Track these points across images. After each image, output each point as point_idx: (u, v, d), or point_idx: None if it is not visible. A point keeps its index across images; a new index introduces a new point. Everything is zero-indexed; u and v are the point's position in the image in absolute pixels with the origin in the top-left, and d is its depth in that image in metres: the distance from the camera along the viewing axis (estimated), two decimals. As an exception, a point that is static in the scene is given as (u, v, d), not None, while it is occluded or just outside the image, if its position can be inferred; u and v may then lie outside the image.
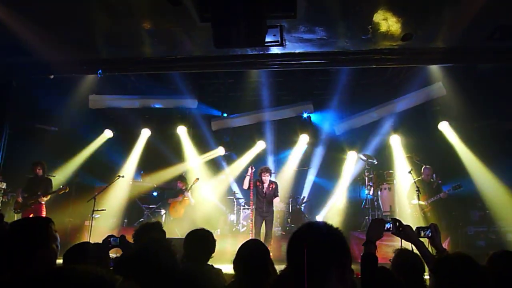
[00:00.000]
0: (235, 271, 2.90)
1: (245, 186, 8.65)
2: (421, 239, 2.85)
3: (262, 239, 7.89)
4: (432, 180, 9.09)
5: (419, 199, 8.68)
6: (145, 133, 11.56)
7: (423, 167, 9.12)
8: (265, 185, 8.55)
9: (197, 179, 10.04)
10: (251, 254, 2.89)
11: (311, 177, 11.81)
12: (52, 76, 9.30)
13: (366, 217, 9.72)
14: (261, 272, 2.76)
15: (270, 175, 8.73)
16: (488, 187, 9.26)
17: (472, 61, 8.48)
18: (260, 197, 8.50)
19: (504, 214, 8.78)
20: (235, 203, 10.75)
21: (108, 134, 11.30)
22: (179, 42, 8.26)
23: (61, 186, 8.47)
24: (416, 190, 8.63)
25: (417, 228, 2.96)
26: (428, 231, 2.93)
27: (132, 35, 7.91)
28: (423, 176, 9.08)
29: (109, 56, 8.90)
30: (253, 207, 8.59)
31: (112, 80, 9.77)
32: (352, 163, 11.17)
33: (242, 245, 3.03)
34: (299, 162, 11.61)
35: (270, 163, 11.56)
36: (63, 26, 7.16)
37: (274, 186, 8.65)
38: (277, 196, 8.70)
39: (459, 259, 2.11)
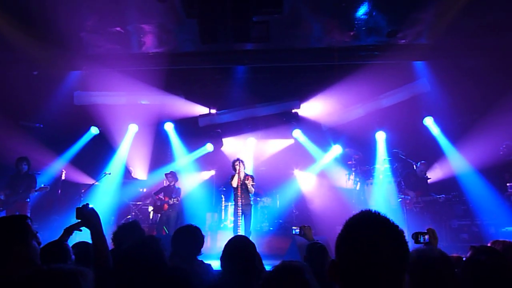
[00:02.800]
0: (222, 268, 2.92)
1: (234, 184, 8.25)
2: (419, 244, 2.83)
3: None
4: (424, 176, 9.23)
5: (406, 193, 8.84)
6: (132, 130, 11.49)
7: (419, 162, 9.22)
8: (241, 178, 8.26)
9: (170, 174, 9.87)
10: (237, 250, 2.91)
11: (297, 172, 11.89)
12: (35, 72, 9.16)
13: (353, 212, 9.80)
14: (248, 268, 2.79)
15: (244, 167, 8.47)
16: (471, 182, 9.46)
17: (455, 57, 8.63)
18: (235, 191, 8.24)
19: (486, 208, 8.98)
20: (223, 198, 10.77)
21: (94, 130, 11.20)
22: (165, 38, 8.23)
23: (42, 185, 8.33)
24: (403, 184, 8.78)
25: (415, 233, 2.95)
26: (426, 237, 2.92)
27: (118, 31, 7.85)
28: (417, 171, 9.19)
29: (94, 52, 8.81)
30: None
31: (97, 76, 9.65)
32: (337, 157, 11.31)
33: (229, 241, 3.04)
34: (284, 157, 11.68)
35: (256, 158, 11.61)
36: (46, 21, 7.05)
37: (249, 178, 8.37)
38: (252, 190, 8.30)
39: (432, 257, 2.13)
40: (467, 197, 9.53)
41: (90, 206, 2.76)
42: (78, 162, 10.79)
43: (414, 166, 9.35)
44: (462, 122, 10.08)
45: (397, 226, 1.31)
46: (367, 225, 1.32)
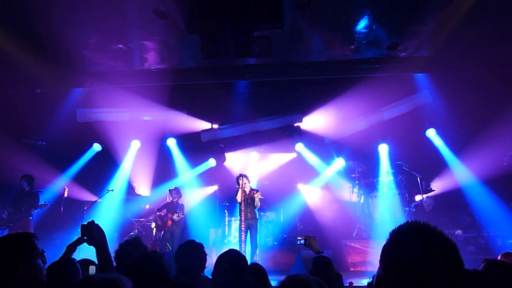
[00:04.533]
0: (214, 283, 2.94)
1: (238, 198, 8.22)
2: None
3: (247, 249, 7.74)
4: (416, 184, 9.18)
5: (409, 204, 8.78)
6: (135, 146, 11.50)
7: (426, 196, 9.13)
8: (246, 193, 8.28)
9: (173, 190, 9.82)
10: (227, 264, 2.94)
11: (300, 186, 11.84)
12: (39, 91, 9.23)
13: (358, 225, 9.74)
14: (239, 280, 2.78)
15: (249, 182, 8.46)
16: (476, 193, 9.38)
17: (456, 68, 8.66)
18: (240, 206, 8.22)
19: (492, 219, 8.89)
20: (227, 214, 10.70)
21: (96, 147, 11.22)
22: (167, 54, 8.30)
23: (43, 202, 8.33)
24: (407, 196, 8.72)
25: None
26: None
27: (120, 48, 7.93)
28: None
29: (96, 69, 8.89)
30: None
31: (100, 93, 9.72)
32: (340, 170, 11.27)
33: (219, 256, 3.08)
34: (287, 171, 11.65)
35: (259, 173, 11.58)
36: (49, 40, 7.13)
37: (255, 193, 8.32)
38: (259, 204, 8.28)
39: None
40: (472, 208, 9.44)
41: (96, 223, 2.73)
42: (81, 179, 10.78)
43: (418, 178, 9.30)
44: (465, 133, 10.05)
45: (450, 239, 1.26)
46: (422, 238, 1.23)
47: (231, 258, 3.01)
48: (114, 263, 3.44)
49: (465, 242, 8.95)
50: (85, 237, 2.66)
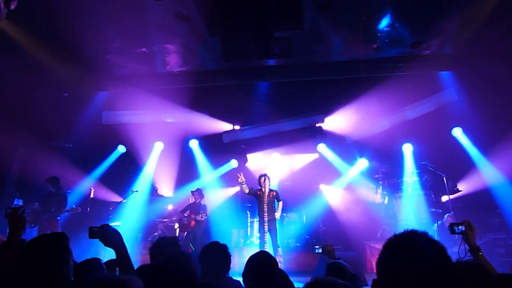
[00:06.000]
0: (244, 284, 2.95)
1: (246, 190, 8.33)
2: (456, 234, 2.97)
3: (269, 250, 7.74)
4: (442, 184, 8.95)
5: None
6: (158, 147, 11.68)
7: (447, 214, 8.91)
8: (266, 193, 8.31)
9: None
10: (259, 266, 2.93)
11: (322, 187, 11.75)
12: (66, 94, 9.49)
13: (382, 226, 9.60)
14: (270, 283, 2.78)
15: (270, 182, 8.47)
16: (505, 193, 9.10)
17: (481, 65, 8.43)
18: (260, 206, 8.27)
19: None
20: (249, 214, 10.73)
21: (121, 149, 11.45)
22: (189, 57, 8.40)
23: (74, 206, 8.55)
24: (433, 197, 8.53)
25: (451, 224, 3.04)
26: (462, 227, 2.97)
27: (143, 51, 8.06)
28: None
29: (120, 72, 9.08)
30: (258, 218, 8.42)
31: (124, 96, 9.91)
32: (363, 171, 11.13)
33: (250, 257, 3.07)
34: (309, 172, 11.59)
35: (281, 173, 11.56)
36: (74, 45, 7.33)
37: (274, 194, 8.39)
38: (280, 200, 8.37)
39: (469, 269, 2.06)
40: (501, 209, 9.16)
41: (110, 225, 2.80)
42: (106, 180, 11.02)
43: (444, 178, 9.08)
44: (492, 131, 9.76)
45: (439, 244, 1.31)
46: (409, 246, 1.30)
47: (263, 260, 3.00)
48: (148, 254, 3.51)
49: (494, 244, 8.70)
50: (93, 239, 2.74)
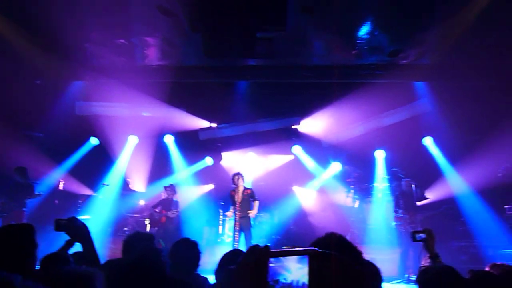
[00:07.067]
0: (216, 280, 2.97)
1: (234, 198, 8.34)
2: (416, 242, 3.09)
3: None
4: (421, 195, 9.18)
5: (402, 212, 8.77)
6: (132, 141, 11.48)
7: (403, 180, 9.16)
8: (239, 192, 8.31)
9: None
10: (231, 263, 2.93)
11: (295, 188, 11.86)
12: (38, 81, 9.21)
13: (351, 230, 9.76)
14: None
15: (244, 181, 8.47)
16: (470, 203, 9.44)
17: (456, 78, 8.70)
18: (233, 204, 8.25)
19: (485, 229, 8.95)
20: (221, 213, 10.70)
21: (94, 141, 11.19)
22: (169, 51, 8.31)
23: (36, 193, 8.34)
24: (399, 203, 8.73)
25: (412, 232, 3.17)
26: (422, 235, 3.10)
27: (122, 43, 7.92)
28: (406, 190, 9.10)
29: (97, 62, 8.88)
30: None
31: (100, 87, 9.71)
32: (336, 174, 11.29)
33: (224, 255, 3.11)
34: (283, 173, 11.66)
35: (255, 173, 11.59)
36: (51, 31, 7.11)
37: (249, 192, 8.38)
38: (256, 200, 8.35)
39: (443, 271, 2.15)
40: (466, 218, 9.50)
41: (77, 218, 2.76)
42: (77, 173, 10.74)
43: (413, 186, 9.31)
44: (462, 143, 10.09)
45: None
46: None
47: (237, 258, 3.00)
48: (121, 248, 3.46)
49: (458, 251, 9.00)
50: (59, 231, 2.70)
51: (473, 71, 8.23)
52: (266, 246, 0.86)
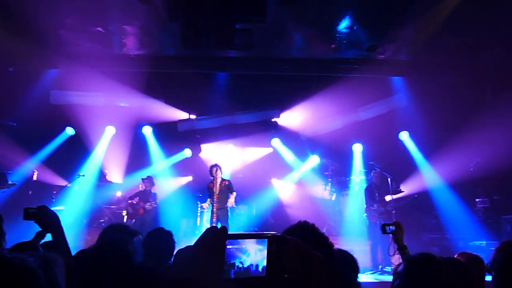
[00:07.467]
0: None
1: (212, 189, 8.33)
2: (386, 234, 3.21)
3: None
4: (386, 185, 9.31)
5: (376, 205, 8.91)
6: (109, 132, 11.29)
7: (373, 171, 9.23)
8: (217, 184, 8.32)
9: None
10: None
11: (274, 181, 11.93)
12: (11, 69, 8.94)
13: (328, 222, 9.90)
14: None
15: (221, 173, 8.47)
16: (443, 197, 9.71)
17: (431, 74, 8.89)
18: (211, 196, 8.26)
19: (456, 222, 9.23)
20: (199, 204, 10.68)
21: (69, 131, 10.95)
22: (147, 40, 8.19)
23: (10, 182, 8.14)
24: (374, 196, 8.88)
25: (383, 225, 3.24)
26: (392, 227, 3.19)
27: (99, 31, 7.76)
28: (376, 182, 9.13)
29: (73, 50, 8.68)
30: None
31: (76, 76, 9.49)
32: (314, 167, 11.41)
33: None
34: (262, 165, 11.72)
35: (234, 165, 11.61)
36: (24, 16, 6.90)
37: (227, 183, 8.39)
38: (233, 192, 8.34)
39: (424, 260, 2.17)
40: (438, 211, 9.76)
41: (47, 208, 2.70)
42: (51, 163, 10.49)
43: (389, 179, 9.45)
44: (436, 137, 10.34)
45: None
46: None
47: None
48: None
49: (430, 243, 9.26)
50: (28, 221, 2.64)
51: (447, 68, 8.45)
52: (223, 227, 0.87)
